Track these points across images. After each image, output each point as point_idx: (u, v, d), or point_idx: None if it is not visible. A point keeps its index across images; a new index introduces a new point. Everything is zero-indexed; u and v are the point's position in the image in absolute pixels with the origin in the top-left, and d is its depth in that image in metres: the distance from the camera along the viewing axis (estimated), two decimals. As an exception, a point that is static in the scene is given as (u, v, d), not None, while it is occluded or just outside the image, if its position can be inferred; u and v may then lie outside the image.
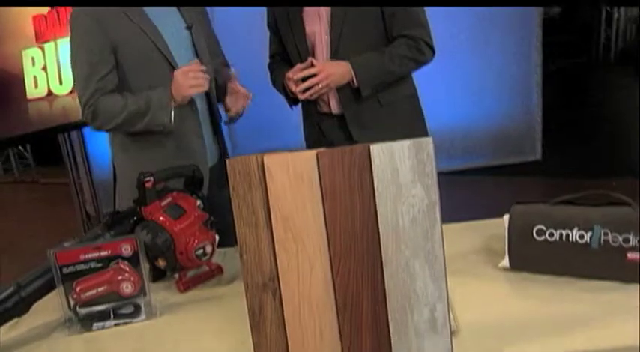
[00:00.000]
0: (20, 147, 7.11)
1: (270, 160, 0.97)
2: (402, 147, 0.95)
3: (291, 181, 0.97)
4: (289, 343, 1.02)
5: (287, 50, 2.02)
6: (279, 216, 0.98)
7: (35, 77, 3.47)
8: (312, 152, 0.96)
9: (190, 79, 1.61)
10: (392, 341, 1.00)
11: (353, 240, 0.98)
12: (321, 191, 0.97)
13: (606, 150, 4.55)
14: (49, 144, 5.05)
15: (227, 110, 1.83)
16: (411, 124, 2.00)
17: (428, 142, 0.95)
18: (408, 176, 0.96)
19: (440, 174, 0.97)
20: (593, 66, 7.55)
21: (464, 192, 3.38)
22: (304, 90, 1.87)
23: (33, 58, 3.46)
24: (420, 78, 2.06)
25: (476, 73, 4.40)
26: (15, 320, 1.29)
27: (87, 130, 3.86)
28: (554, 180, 4.06)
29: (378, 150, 0.95)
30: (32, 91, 3.49)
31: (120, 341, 1.23)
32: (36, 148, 6.92)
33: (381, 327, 1.00)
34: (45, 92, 3.46)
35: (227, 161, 0.98)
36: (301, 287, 1.00)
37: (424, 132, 2.03)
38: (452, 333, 1.10)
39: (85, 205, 3.99)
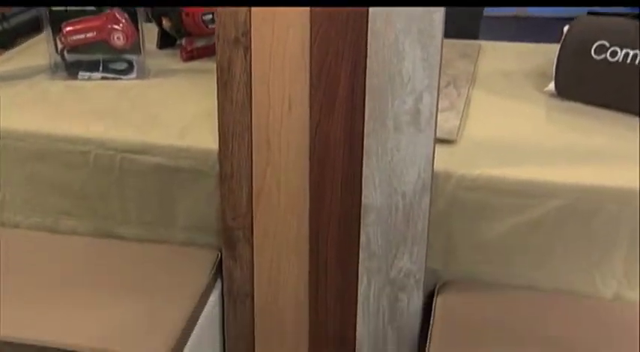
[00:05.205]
0: None
1: None
2: None
3: None
4: (253, 109, 1.07)
5: None
6: (257, -43, 0.99)
7: None
8: None
9: None
10: (365, 129, 1.04)
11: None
12: None
13: None
14: None
15: None
16: None
17: None
18: None
19: None
20: None
21: None
22: None
23: None
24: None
25: None
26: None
27: None
28: None
29: None
30: None
31: (100, 93, 1.34)
32: None
33: (356, 109, 1.03)
34: None
35: None
36: (274, 47, 1.04)
37: None
38: (448, 141, 1.13)
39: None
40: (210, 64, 1.48)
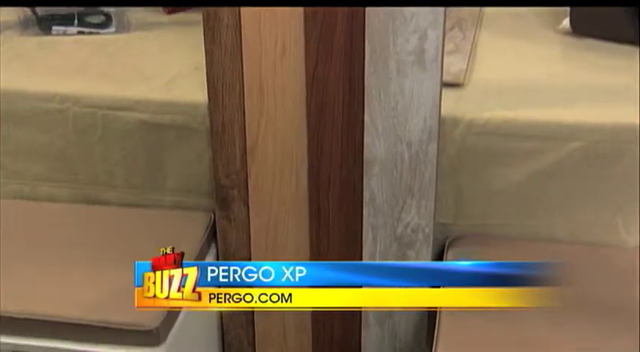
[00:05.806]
0: None
1: None
2: None
3: None
4: (244, 55, 1.02)
5: None
6: None
7: None
8: None
9: None
10: (365, 72, 0.99)
11: None
12: None
13: None
14: None
15: None
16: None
17: None
18: None
19: None
20: None
21: None
22: None
23: None
24: None
25: None
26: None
27: None
28: None
29: None
30: None
31: (76, 49, 1.29)
32: None
33: (356, 51, 0.98)
34: None
35: None
36: (263, -15, 0.99)
37: None
38: (455, 85, 1.09)
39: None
40: (196, 16, 1.43)
